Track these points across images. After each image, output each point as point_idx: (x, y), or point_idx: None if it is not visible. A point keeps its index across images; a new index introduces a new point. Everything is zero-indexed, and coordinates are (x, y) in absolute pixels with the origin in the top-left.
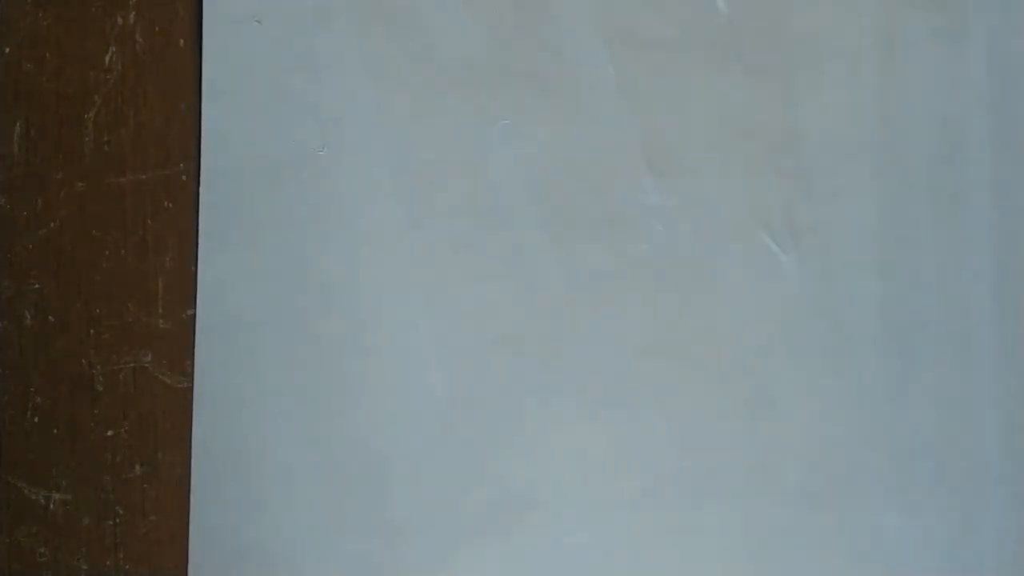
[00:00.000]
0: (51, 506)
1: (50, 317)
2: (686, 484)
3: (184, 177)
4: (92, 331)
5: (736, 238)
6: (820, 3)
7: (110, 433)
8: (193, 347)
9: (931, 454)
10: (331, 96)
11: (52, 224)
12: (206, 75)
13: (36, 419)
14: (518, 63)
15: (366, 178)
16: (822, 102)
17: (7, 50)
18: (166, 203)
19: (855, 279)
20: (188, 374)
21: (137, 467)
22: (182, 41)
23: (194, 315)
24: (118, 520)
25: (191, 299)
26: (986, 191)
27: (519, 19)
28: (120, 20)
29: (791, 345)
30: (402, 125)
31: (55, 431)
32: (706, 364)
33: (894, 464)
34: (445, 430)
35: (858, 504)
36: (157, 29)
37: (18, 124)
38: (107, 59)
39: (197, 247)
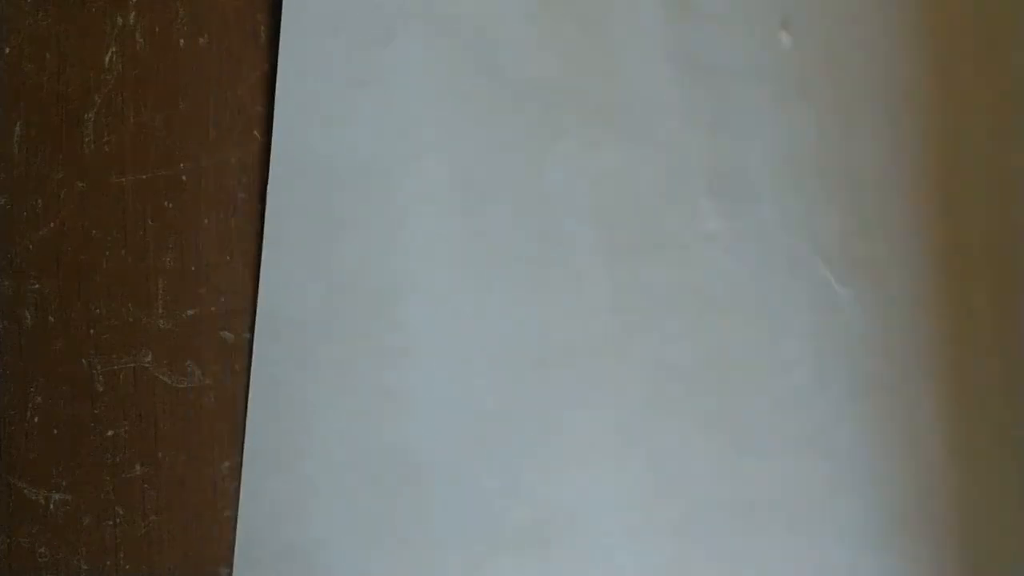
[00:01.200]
0: (51, 506)
1: (50, 317)
2: (727, 513)
3: (184, 177)
4: (92, 331)
5: (793, 268)
6: (879, 44)
7: (110, 433)
8: (193, 347)
9: (989, 500)
10: (399, 107)
11: (52, 224)
12: (280, 79)
13: (36, 419)
14: (582, 83)
15: (428, 189)
16: (880, 138)
17: (7, 50)
18: (166, 203)
19: (911, 315)
20: (188, 374)
21: (137, 467)
22: (182, 41)
23: (194, 315)
24: (118, 520)
25: (191, 299)
26: None
27: (585, 40)
28: (120, 20)
29: (844, 379)
30: (466, 139)
31: (55, 431)
32: (756, 394)
33: (948, 505)
34: (489, 443)
35: (911, 547)
36: (157, 29)
37: (18, 124)
38: (107, 59)
39: (196, 246)
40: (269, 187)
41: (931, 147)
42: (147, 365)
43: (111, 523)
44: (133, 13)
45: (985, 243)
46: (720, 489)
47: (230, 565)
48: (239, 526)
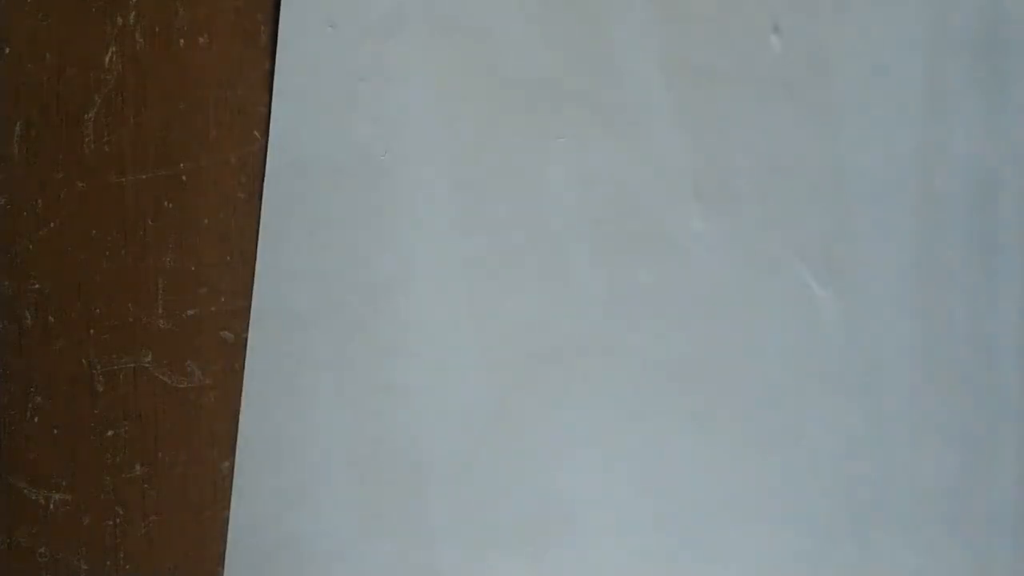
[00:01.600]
0: (51, 506)
1: (50, 317)
2: (712, 507)
3: (184, 177)
4: (92, 331)
5: (775, 269)
6: (869, 48)
7: (110, 433)
8: (193, 347)
9: (951, 496)
10: (396, 103)
11: (52, 224)
12: (278, 75)
13: (36, 419)
14: (578, 84)
15: (424, 185)
16: (866, 143)
17: (7, 50)
18: (166, 203)
19: (888, 318)
20: (188, 374)
21: (137, 467)
22: (182, 41)
23: (194, 315)
24: (118, 520)
25: (191, 299)
26: (1018, 240)
27: (583, 42)
28: (120, 20)
29: (822, 379)
30: (462, 136)
31: (55, 431)
32: (738, 391)
33: (915, 503)
34: (483, 438)
35: (878, 540)
36: (157, 29)
37: (18, 124)
38: (107, 59)
39: (196, 246)
40: (266, 183)
41: (915, 154)
42: (147, 365)
43: (111, 523)
44: (133, 13)
45: (965, 252)
46: (701, 483)
47: None
48: (231, 521)
